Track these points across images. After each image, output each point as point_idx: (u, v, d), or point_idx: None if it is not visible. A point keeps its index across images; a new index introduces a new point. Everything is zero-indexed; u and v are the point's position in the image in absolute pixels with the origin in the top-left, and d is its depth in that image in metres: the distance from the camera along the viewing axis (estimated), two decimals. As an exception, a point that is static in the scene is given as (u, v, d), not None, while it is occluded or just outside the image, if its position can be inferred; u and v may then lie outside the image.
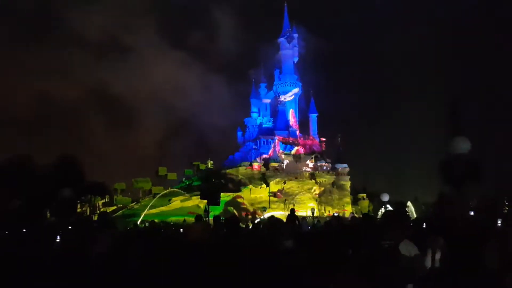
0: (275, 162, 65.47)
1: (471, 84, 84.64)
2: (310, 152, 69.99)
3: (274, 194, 61.78)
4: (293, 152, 68.38)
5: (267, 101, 74.45)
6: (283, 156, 66.75)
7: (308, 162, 67.53)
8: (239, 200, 59.12)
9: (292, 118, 70.88)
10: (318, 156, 69.61)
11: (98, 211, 56.45)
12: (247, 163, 65.17)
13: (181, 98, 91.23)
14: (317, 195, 64.93)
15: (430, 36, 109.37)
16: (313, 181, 66.01)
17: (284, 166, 65.58)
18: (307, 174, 66.66)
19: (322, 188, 65.81)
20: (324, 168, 67.74)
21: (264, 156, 66.78)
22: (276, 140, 68.33)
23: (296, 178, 64.78)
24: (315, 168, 67.88)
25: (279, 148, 68.12)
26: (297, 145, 69.56)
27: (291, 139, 70.24)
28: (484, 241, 3.62)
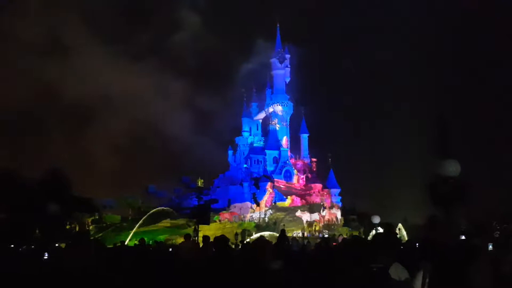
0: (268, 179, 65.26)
1: (460, 105, 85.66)
2: (301, 172, 70.10)
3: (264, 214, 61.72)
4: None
5: (260, 118, 74.76)
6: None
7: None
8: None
9: (284, 140, 71.05)
10: (309, 177, 69.70)
11: (87, 228, 55.79)
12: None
13: (170, 115, 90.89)
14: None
15: (421, 55, 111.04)
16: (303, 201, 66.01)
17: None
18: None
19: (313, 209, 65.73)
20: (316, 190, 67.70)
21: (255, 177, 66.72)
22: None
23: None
24: (306, 189, 67.91)
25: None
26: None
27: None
28: (474, 265, 3.63)
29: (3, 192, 36.35)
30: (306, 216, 63.54)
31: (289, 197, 66.14)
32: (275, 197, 65.29)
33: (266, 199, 63.69)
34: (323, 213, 64.62)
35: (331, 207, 66.90)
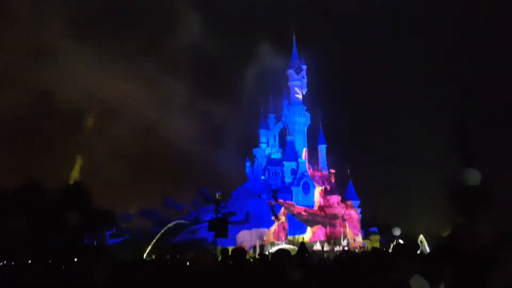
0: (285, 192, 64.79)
1: (484, 113, 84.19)
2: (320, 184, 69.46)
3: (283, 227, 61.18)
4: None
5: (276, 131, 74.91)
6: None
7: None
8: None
9: (304, 151, 70.71)
10: (327, 188, 69.01)
11: (106, 242, 56.23)
12: None
13: (187, 126, 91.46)
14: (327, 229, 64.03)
15: (440, 61, 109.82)
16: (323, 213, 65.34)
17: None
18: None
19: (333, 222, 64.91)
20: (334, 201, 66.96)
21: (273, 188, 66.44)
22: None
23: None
24: (324, 201, 67.23)
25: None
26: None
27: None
28: (496, 274, 3.48)
29: (25, 203, 36.96)
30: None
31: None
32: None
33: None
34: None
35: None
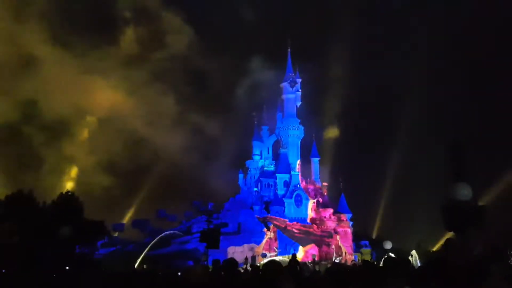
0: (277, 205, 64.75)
1: (474, 127, 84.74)
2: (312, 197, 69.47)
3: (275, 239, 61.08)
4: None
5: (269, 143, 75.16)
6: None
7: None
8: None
9: (297, 164, 70.78)
10: (320, 201, 69.04)
11: (97, 252, 55.76)
12: None
13: (178, 138, 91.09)
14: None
15: (437, 75, 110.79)
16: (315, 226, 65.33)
17: None
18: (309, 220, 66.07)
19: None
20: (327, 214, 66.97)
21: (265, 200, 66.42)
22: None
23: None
24: (316, 213, 67.23)
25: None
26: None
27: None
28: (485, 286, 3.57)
29: (17, 214, 36.75)
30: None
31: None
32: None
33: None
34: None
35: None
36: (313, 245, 61.95)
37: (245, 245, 57.67)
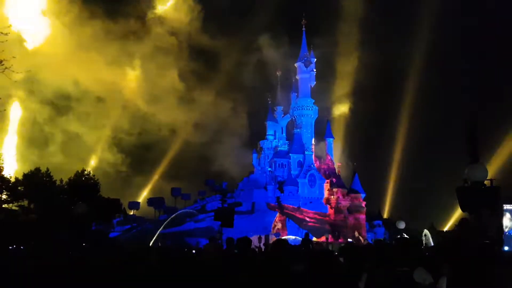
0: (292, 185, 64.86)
1: (491, 108, 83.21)
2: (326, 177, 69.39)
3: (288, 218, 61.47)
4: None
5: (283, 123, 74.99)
6: None
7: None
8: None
9: (311, 145, 70.49)
10: (333, 181, 68.89)
11: (113, 229, 56.81)
12: None
13: (196, 118, 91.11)
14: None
15: (453, 55, 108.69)
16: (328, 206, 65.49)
17: None
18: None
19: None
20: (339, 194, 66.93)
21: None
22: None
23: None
24: (330, 193, 67.22)
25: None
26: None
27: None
28: (492, 267, 3.55)
29: (35, 191, 37.55)
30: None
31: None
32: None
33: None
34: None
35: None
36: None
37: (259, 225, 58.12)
